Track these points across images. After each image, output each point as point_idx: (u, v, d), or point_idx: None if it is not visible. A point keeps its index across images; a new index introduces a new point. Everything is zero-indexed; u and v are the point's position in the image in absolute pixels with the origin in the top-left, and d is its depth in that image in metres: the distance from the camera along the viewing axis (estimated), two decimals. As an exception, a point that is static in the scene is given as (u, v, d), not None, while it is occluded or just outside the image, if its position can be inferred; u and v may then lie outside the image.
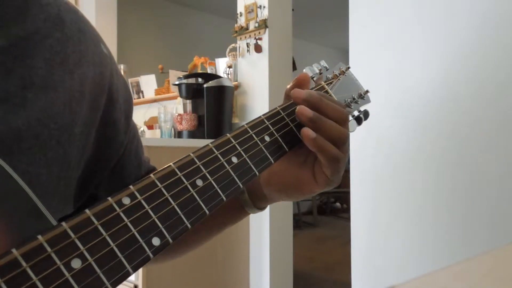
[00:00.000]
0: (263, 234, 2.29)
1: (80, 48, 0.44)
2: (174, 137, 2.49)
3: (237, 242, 2.28)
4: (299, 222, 5.16)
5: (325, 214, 5.96)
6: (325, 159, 0.44)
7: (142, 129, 2.68)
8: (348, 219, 1.78)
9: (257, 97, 2.37)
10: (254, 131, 0.42)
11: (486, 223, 1.25)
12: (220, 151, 0.38)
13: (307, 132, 0.43)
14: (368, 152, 1.52)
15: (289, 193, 0.49)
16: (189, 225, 0.33)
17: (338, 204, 6.40)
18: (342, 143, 0.45)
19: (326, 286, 3.00)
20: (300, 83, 0.49)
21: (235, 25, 2.46)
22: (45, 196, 0.38)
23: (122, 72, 3.19)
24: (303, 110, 0.43)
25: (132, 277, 1.86)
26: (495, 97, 1.25)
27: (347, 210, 5.49)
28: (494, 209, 1.23)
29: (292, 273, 2.42)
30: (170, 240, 0.32)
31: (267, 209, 2.27)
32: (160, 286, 1.89)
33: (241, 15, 2.45)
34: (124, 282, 1.94)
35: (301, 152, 0.48)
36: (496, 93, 1.25)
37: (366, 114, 0.57)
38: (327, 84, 0.54)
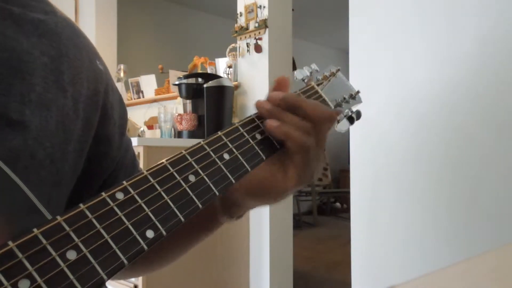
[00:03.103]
0: (263, 234, 2.29)
1: (75, 64, 0.44)
2: (174, 137, 2.49)
3: (237, 242, 2.28)
4: (299, 222, 5.16)
5: (325, 214, 5.96)
6: (293, 145, 0.43)
7: (142, 129, 2.68)
8: (348, 219, 1.78)
9: (257, 97, 2.36)
10: (245, 129, 0.43)
11: (486, 223, 1.25)
12: (212, 148, 0.39)
13: (270, 122, 0.43)
14: (368, 152, 1.52)
15: (262, 194, 0.46)
16: (182, 218, 0.34)
17: (338, 204, 6.40)
18: (315, 132, 0.44)
19: (326, 286, 3.00)
20: (279, 86, 0.48)
21: (235, 25, 2.46)
22: None
23: (122, 73, 3.19)
24: (261, 103, 0.44)
25: (132, 278, 1.86)
26: (496, 98, 1.25)
27: (347, 210, 5.49)
28: (494, 209, 1.23)
29: (292, 273, 2.42)
30: (164, 233, 0.33)
31: (267, 209, 2.27)
32: (160, 286, 1.88)
33: (241, 15, 2.45)
34: (124, 282, 1.94)
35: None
36: (497, 94, 1.25)
37: (358, 114, 0.58)
38: (317, 85, 0.55)
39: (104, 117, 0.47)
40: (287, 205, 2.40)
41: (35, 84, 0.39)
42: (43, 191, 0.39)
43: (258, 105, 0.44)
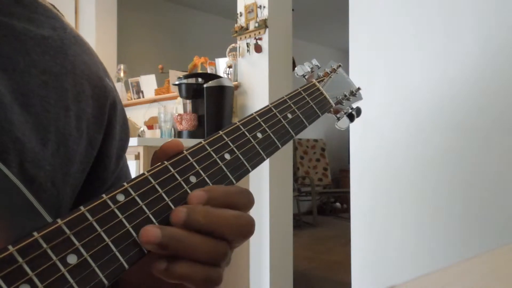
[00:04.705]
0: (263, 234, 2.29)
1: (81, 82, 0.43)
2: (174, 137, 2.49)
3: (237, 242, 2.28)
4: (299, 222, 5.16)
5: (325, 214, 5.96)
6: (195, 286, 0.32)
7: (142, 129, 2.68)
8: (348, 219, 1.78)
9: (257, 97, 2.37)
10: (247, 128, 0.42)
11: (486, 223, 1.25)
12: (213, 148, 0.39)
13: (157, 266, 0.31)
14: (368, 152, 1.52)
15: None
16: None
17: (338, 204, 6.40)
18: (219, 259, 0.33)
19: (326, 286, 3.00)
20: (168, 151, 0.37)
21: (235, 25, 2.46)
22: None
23: (122, 73, 3.19)
24: (147, 236, 0.30)
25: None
26: (497, 98, 1.25)
27: (347, 210, 5.50)
28: (494, 210, 1.23)
29: (292, 273, 2.42)
30: None
31: (267, 209, 2.27)
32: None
33: (241, 15, 2.45)
34: None
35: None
36: (497, 94, 1.25)
37: (358, 111, 0.58)
38: (318, 82, 0.54)
39: (107, 135, 0.46)
40: (287, 205, 2.40)
41: (31, 105, 0.38)
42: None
43: (144, 238, 0.30)
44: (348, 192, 1.61)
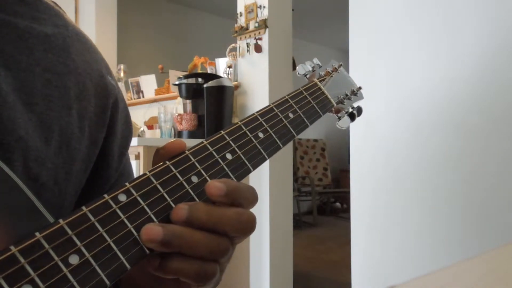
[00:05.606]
0: (263, 234, 2.29)
1: (83, 80, 0.43)
2: (174, 137, 2.49)
3: (237, 242, 2.28)
4: (299, 222, 5.16)
5: (325, 214, 5.96)
6: (190, 281, 0.33)
7: (142, 129, 2.67)
8: (348, 219, 1.78)
9: (257, 97, 2.37)
10: (248, 128, 0.42)
11: (486, 223, 1.25)
12: (215, 147, 0.39)
13: (151, 262, 0.32)
14: (368, 152, 1.52)
15: None
16: None
17: (338, 204, 6.40)
18: (220, 256, 0.34)
19: (326, 286, 3.00)
20: (171, 150, 0.37)
21: (235, 25, 2.46)
22: None
23: (122, 73, 3.19)
24: (148, 234, 0.30)
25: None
26: (497, 98, 1.25)
27: (347, 210, 5.49)
28: (494, 210, 1.23)
29: (292, 273, 2.42)
30: None
31: (267, 209, 2.27)
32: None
33: (241, 15, 2.45)
34: None
35: None
36: (497, 94, 1.25)
37: (359, 110, 0.58)
38: (320, 81, 0.54)
39: (109, 134, 0.46)
40: (287, 205, 2.40)
41: (34, 103, 0.38)
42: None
43: (147, 236, 0.30)
44: (348, 192, 1.61)
